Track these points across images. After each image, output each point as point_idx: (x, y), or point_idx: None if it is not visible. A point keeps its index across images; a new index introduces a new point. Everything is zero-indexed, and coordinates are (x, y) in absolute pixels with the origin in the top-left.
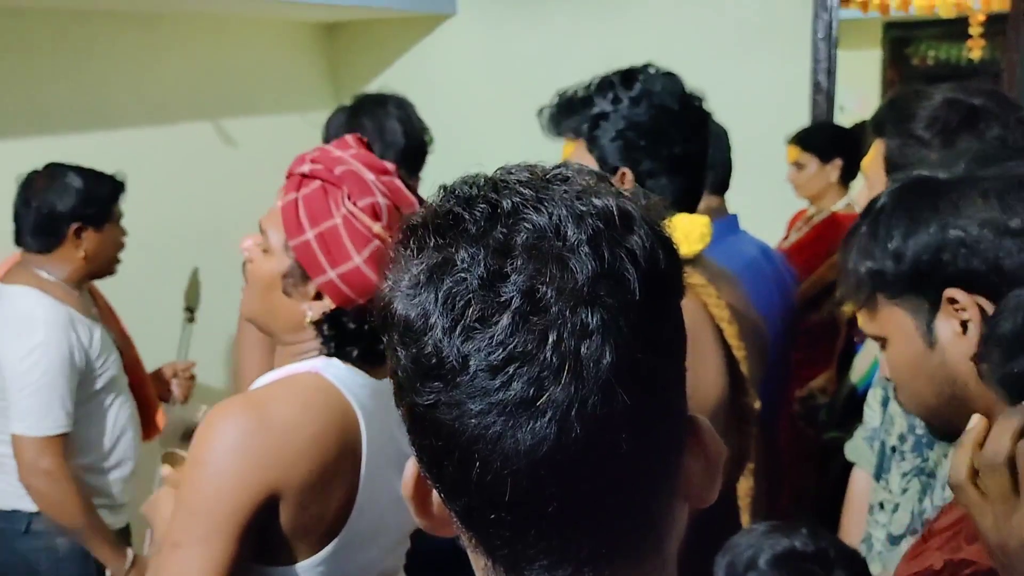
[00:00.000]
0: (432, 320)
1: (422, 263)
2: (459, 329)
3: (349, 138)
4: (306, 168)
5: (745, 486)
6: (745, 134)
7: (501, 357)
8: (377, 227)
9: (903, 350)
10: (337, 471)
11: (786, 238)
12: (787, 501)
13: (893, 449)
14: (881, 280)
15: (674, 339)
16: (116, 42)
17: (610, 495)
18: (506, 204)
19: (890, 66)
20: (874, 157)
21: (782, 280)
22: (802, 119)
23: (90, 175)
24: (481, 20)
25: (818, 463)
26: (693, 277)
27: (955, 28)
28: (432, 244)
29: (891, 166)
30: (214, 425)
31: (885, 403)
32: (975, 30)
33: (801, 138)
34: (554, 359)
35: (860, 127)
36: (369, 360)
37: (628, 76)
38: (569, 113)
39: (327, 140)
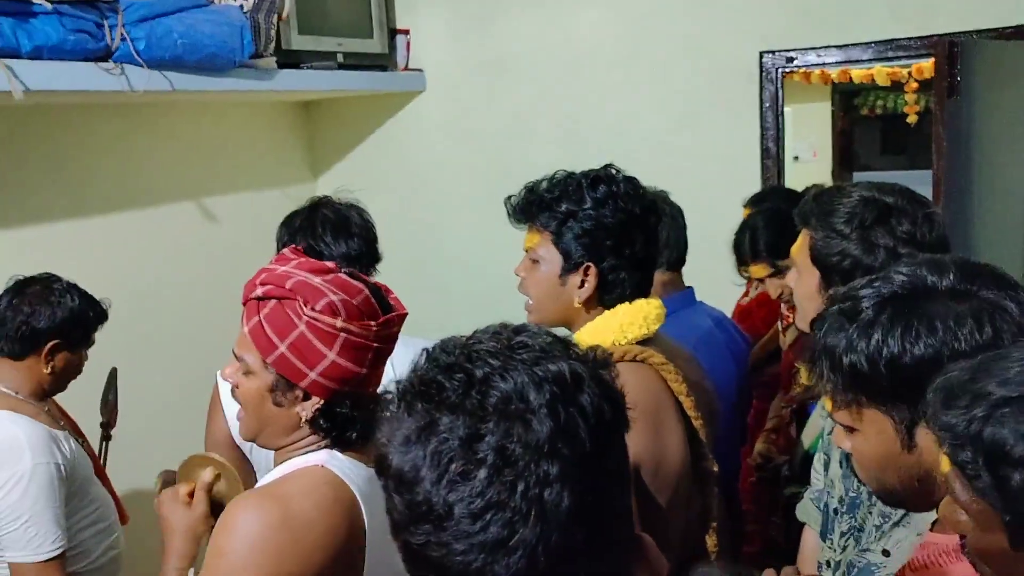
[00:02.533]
0: (422, 473)
1: (412, 424)
2: (444, 482)
3: (287, 251)
4: (259, 292)
5: (711, 542)
6: (701, 199)
7: (480, 506)
8: (339, 322)
9: (876, 446)
10: (347, 562)
11: (746, 295)
12: (757, 553)
13: (835, 511)
14: (866, 383)
15: (621, 470)
16: (99, 131)
17: None
18: (479, 373)
19: (840, 117)
20: (801, 246)
21: (736, 346)
22: (754, 183)
23: (84, 297)
24: (449, 96)
25: (783, 516)
26: (654, 356)
27: (899, 84)
28: (420, 408)
29: (815, 255)
30: (237, 518)
31: (827, 467)
32: (910, 96)
33: (755, 201)
34: (523, 505)
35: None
36: (363, 442)
37: (595, 179)
38: (538, 208)
39: (286, 238)
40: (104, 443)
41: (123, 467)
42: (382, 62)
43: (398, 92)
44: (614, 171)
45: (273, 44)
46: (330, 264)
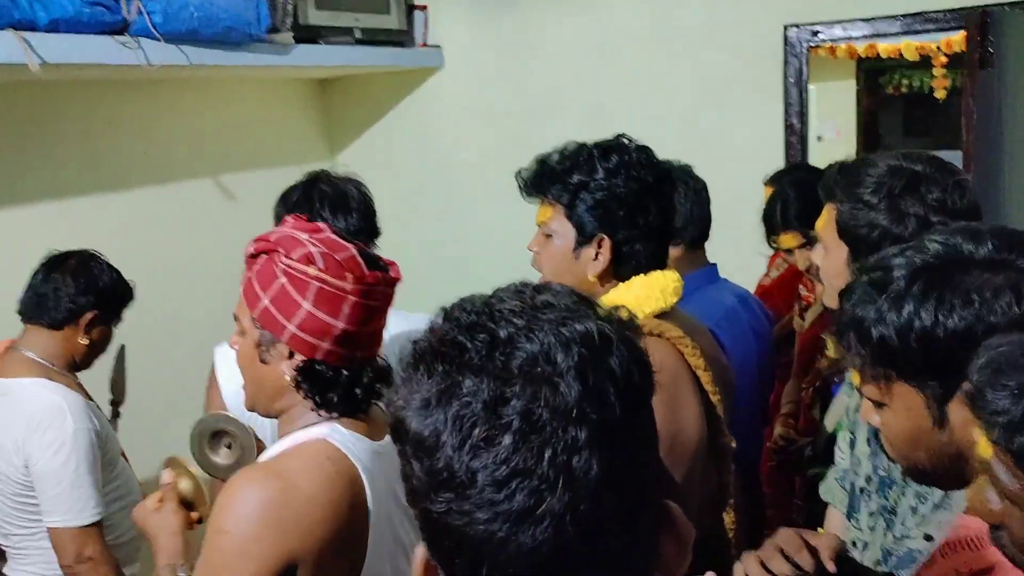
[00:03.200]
0: (443, 438)
1: (432, 387)
2: (467, 448)
3: (289, 218)
4: (252, 249)
5: (728, 519)
6: (725, 177)
7: (505, 473)
8: (312, 270)
9: (905, 423)
10: (349, 536)
11: (767, 275)
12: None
13: (862, 490)
14: (896, 357)
15: (649, 435)
16: (118, 108)
17: None
18: (502, 333)
19: (865, 95)
20: (827, 221)
21: (758, 324)
22: (778, 160)
23: (118, 275)
24: (468, 73)
25: (805, 498)
26: (672, 331)
27: (927, 59)
28: (440, 370)
29: (842, 229)
30: (237, 493)
31: (852, 445)
32: (938, 71)
33: (776, 179)
34: (550, 473)
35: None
36: (351, 408)
37: (606, 148)
38: (549, 180)
39: (284, 214)
40: (113, 420)
41: (136, 446)
42: (400, 38)
43: (416, 69)
44: (626, 140)
45: (290, 19)
46: (321, 224)
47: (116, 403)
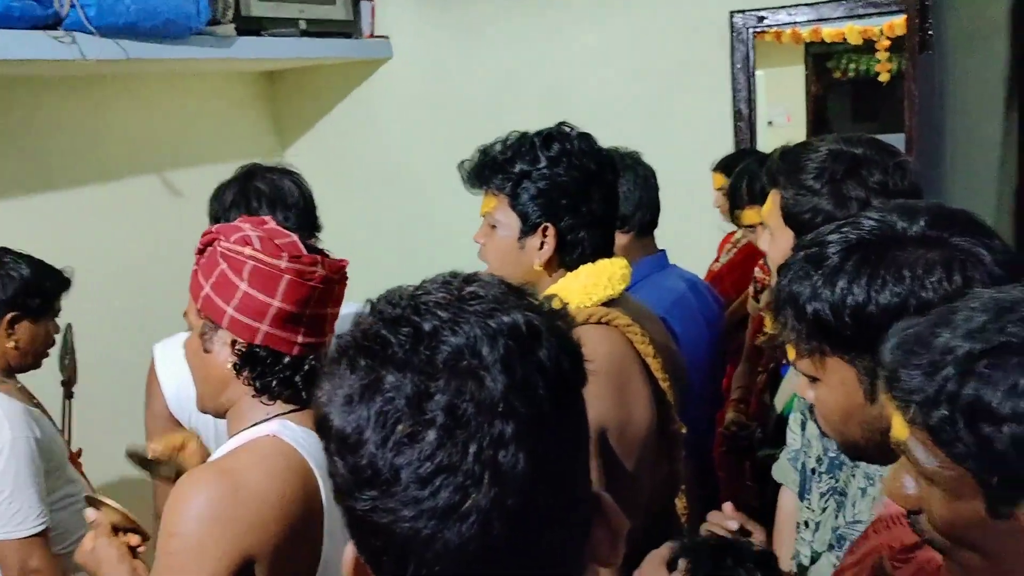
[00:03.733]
0: (366, 435)
1: (355, 382)
2: (391, 444)
3: (238, 221)
4: (199, 245)
5: (679, 505)
6: (674, 163)
7: (429, 469)
8: (248, 250)
9: (839, 397)
10: (304, 531)
11: (717, 260)
12: None
13: (813, 470)
14: (830, 332)
15: (580, 431)
16: (56, 106)
17: (533, 573)
18: (427, 327)
19: (813, 81)
20: (771, 207)
21: (709, 310)
22: (727, 146)
23: (38, 266)
24: (417, 63)
25: (757, 480)
26: (620, 318)
27: (871, 43)
28: (363, 365)
29: (787, 215)
30: (186, 494)
31: (804, 426)
32: (882, 55)
33: (724, 165)
34: (476, 468)
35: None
36: (293, 395)
37: (548, 137)
38: (491, 170)
39: (219, 212)
40: (67, 402)
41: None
42: (347, 29)
43: (364, 60)
44: (568, 128)
45: (232, 11)
46: (267, 217)
47: (67, 384)
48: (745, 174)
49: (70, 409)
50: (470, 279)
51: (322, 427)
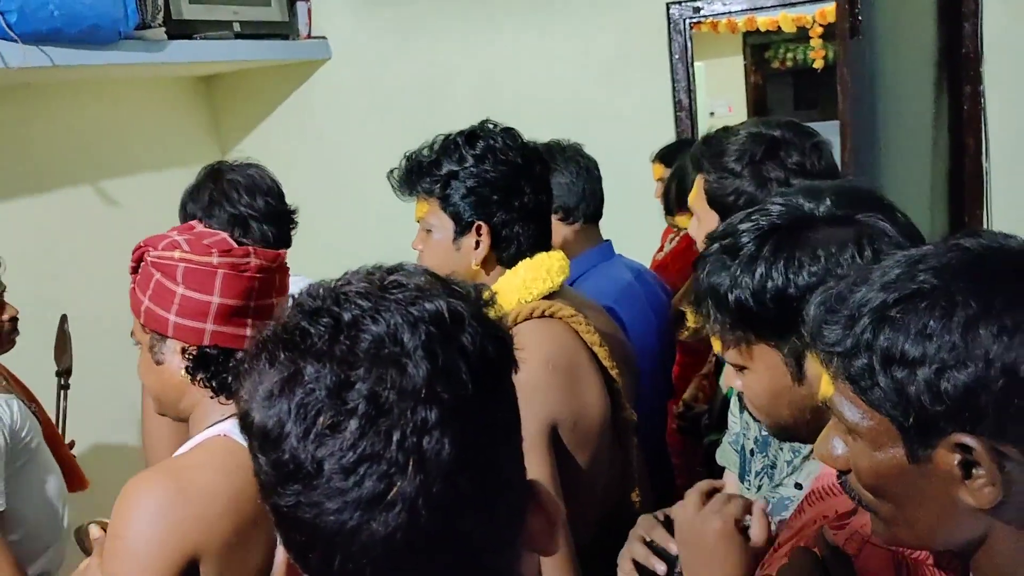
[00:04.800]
0: (287, 429)
1: (274, 376)
2: (312, 436)
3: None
4: (132, 264)
5: (632, 495)
6: (616, 154)
7: (352, 459)
8: (177, 253)
9: (767, 382)
10: (255, 530)
11: (661, 249)
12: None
13: (751, 452)
14: (753, 319)
15: (509, 417)
16: None
17: (464, 562)
18: (347, 316)
19: (752, 71)
20: (697, 192)
21: (656, 298)
22: (668, 136)
23: None
24: (356, 62)
25: (705, 465)
26: (563, 310)
27: (805, 31)
28: (283, 358)
29: (711, 198)
30: (131, 497)
31: (742, 410)
32: (816, 42)
33: (663, 155)
34: (399, 456)
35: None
36: None
37: (471, 135)
38: (419, 175)
39: (197, 213)
40: (62, 393)
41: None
42: (283, 30)
43: (302, 61)
44: (491, 125)
45: (161, 14)
46: (194, 223)
47: (60, 374)
48: (674, 179)
49: (65, 400)
50: (393, 269)
51: (245, 425)
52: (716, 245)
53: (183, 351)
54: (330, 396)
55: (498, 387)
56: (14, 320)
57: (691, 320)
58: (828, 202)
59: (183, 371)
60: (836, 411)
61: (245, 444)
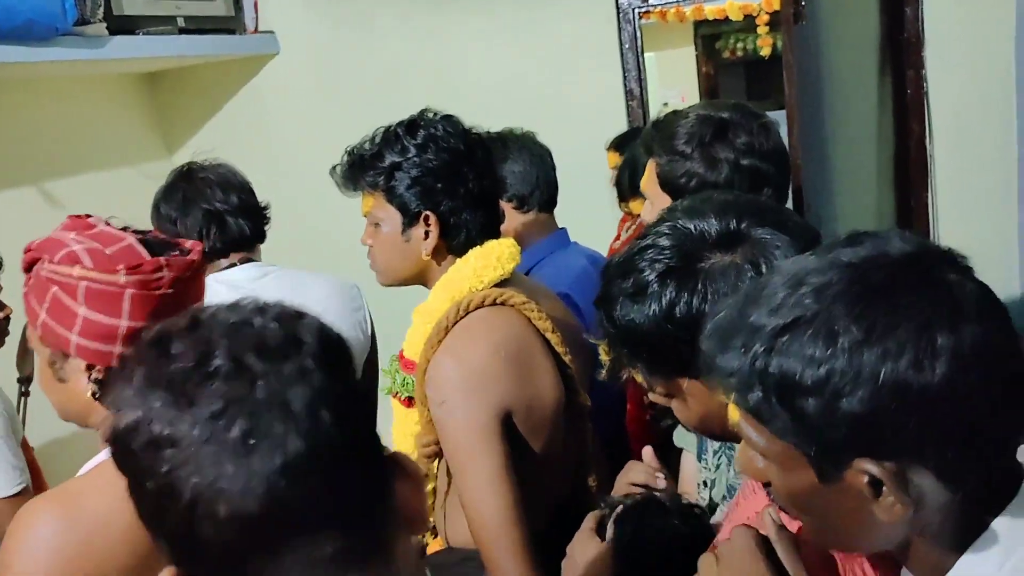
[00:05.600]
0: (153, 405)
1: (140, 376)
2: (182, 402)
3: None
4: (23, 264)
5: (589, 479)
6: (570, 143)
7: (219, 407)
8: (77, 270)
9: (694, 407)
10: (156, 558)
11: (617, 238)
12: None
13: None
14: (669, 357)
15: (359, 399)
16: None
17: (336, 525)
18: (204, 316)
19: (703, 61)
20: (649, 175)
21: None
22: (620, 126)
23: None
24: (305, 56)
25: (662, 448)
26: (515, 297)
27: (753, 20)
28: (148, 361)
29: (663, 181)
30: (21, 526)
31: None
32: (763, 30)
33: (617, 143)
34: (265, 399)
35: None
36: None
37: (411, 125)
38: (362, 169)
39: (173, 214)
40: (23, 400)
41: None
42: (229, 25)
43: (250, 56)
44: (431, 114)
45: (102, 9)
46: (93, 219)
47: (21, 381)
48: (627, 167)
49: (26, 406)
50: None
51: (116, 440)
52: (620, 288)
53: (88, 368)
54: (197, 366)
55: (343, 368)
56: (8, 319)
57: (604, 355)
58: (713, 221)
59: (89, 393)
60: (744, 435)
61: None
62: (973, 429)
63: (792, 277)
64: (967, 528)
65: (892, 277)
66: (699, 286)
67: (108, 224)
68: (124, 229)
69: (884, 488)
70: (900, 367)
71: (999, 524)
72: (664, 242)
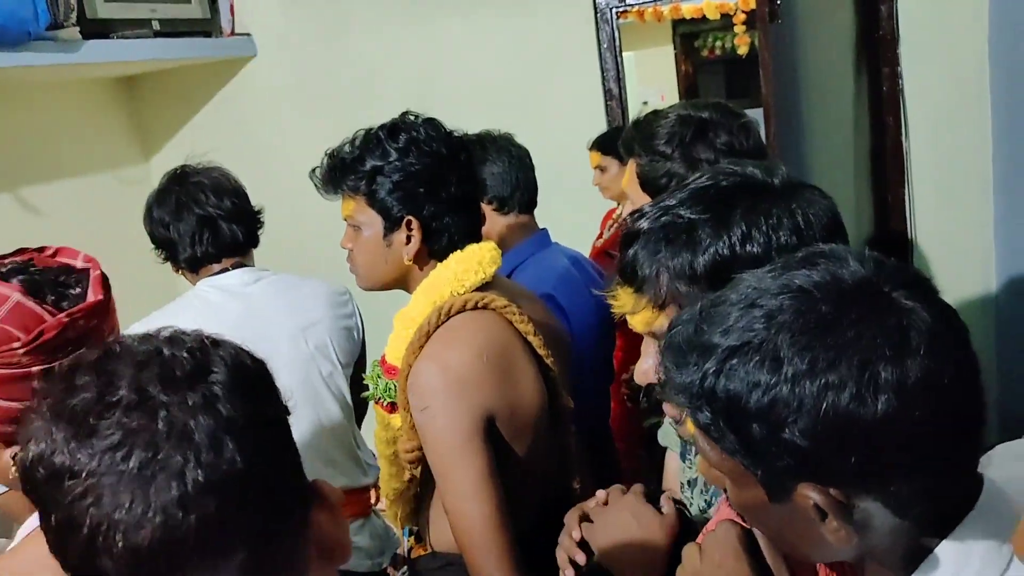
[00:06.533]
0: (56, 437)
1: (42, 413)
2: (84, 431)
3: None
4: None
5: (574, 481)
6: (549, 144)
7: (119, 437)
8: None
9: None
10: None
11: (600, 236)
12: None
13: None
14: (716, 280)
15: (273, 426)
16: None
17: (248, 550)
18: (115, 348)
19: (682, 60)
20: (630, 176)
21: (595, 284)
22: (600, 126)
23: None
24: (283, 59)
25: (646, 447)
26: (496, 300)
27: (730, 19)
28: (54, 391)
29: (643, 181)
30: None
31: None
32: (739, 29)
33: (599, 143)
34: (165, 429)
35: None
36: None
37: (393, 129)
38: (343, 172)
39: (166, 218)
40: None
41: None
42: (204, 28)
43: (226, 59)
44: (412, 117)
45: (75, 13)
46: None
47: None
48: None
49: None
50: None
51: (24, 472)
52: (652, 223)
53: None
54: (98, 396)
55: (258, 399)
56: None
57: (623, 300)
58: (781, 174)
59: (13, 472)
60: (699, 448)
61: None
62: (918, 460)
63: (746, 297)
64: (915, 552)
65: (840, 309)
66: (775, 211)
67: None
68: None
69: (828, 514)
70: (841, 400)
71: (944, 548)
72: (724, 173)
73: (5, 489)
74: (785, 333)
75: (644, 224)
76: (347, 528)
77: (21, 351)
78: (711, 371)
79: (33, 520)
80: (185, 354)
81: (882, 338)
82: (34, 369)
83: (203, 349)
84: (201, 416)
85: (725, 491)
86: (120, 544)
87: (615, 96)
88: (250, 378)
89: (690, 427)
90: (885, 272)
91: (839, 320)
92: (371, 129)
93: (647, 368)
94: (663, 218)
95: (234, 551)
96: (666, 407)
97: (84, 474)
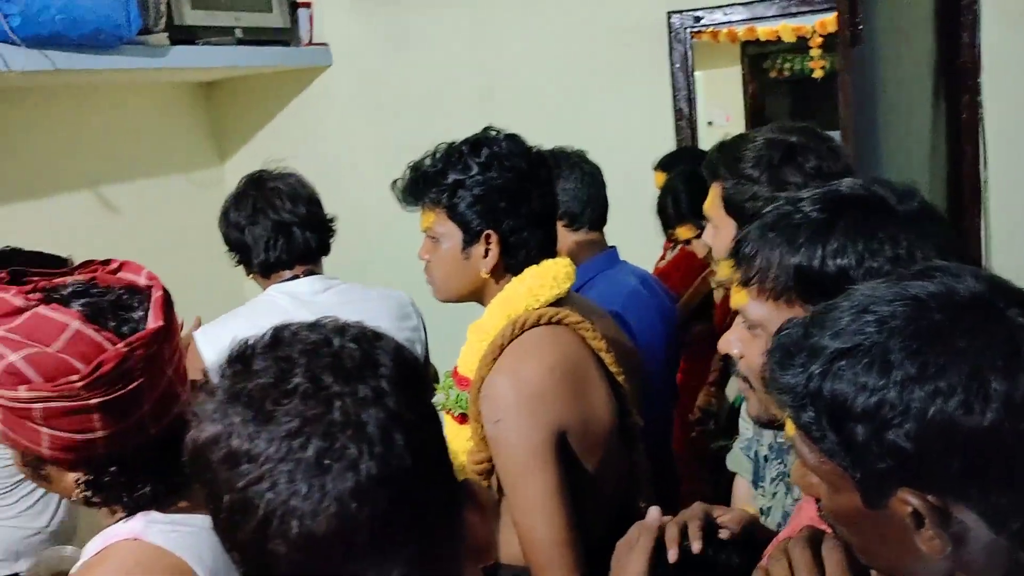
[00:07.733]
0: (233, 421)
1: (219, 395)
2: (261, 418)
3: None
4: None
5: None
6: (619, 162)
7: (296, 425)
8: (23, 391)
9: None
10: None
11: (663, 258)
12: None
13: (765, 458)
14: (804, 281)
15: (431, 423)
16: None
17: (408, 543)
18: (285, 334)
19: (750, 80)
20: (713, 200)
21: (661, 304)
22: (669, 145)
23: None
24: (356, 69)
25: (712, 471)
26: (570, 316)
27: (805, 41)
28: (229, 374)
29: (728, 204)
30: None
31: None
32: (815, 52)
33: (665, 163)
34: (340, 418)
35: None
36: (170, 488)
37: (475, 144)
38: (425, 185)
39: (242, 222)
40: None
41: None
42: (284, 37)
43: (303, 68)
44: (494, 132)
45: (164, 19)
46: (17, 303)
47: None
48: (668, 194)
49: None
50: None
51: (195, 452)
52: (781, 210)
53: (69, 468)
54: (277, 382)
55: (419, 391)
56: None
57: (724, 271)
58: (914, 201)
59: (76, 495)
60: (798, 450)
61: (163, 544)
62: (1019, 474)
63: (859, 304)
64: (1010, 571)
65: (953, 319)
66: (878, 232)
67: (34, 285)
68: (60, 267)
69: (926, 521)
70: (949, 407)
71: None
72: (843, 189)
73: None
74: (896, 338)
75: (770, 207)
76: (495, 530)
77: (79, 384)
78: (817, 372)
79: (100, 538)
80: (352, 344)
81: (994, 350)
82: (92, 401)
83: (369, 341)
84: (372, 409)
85: (782, 526)
86: (296, 530)
87: (685, 116)
88: (411, 372)
89: (790, 428)
90: (999, 289)
91: (952, 329)
92: (453, 143)
93: (730, 340)
94: (785, 207)
95: (400, 544)
96: (797, 468)
97: (262, 459)
